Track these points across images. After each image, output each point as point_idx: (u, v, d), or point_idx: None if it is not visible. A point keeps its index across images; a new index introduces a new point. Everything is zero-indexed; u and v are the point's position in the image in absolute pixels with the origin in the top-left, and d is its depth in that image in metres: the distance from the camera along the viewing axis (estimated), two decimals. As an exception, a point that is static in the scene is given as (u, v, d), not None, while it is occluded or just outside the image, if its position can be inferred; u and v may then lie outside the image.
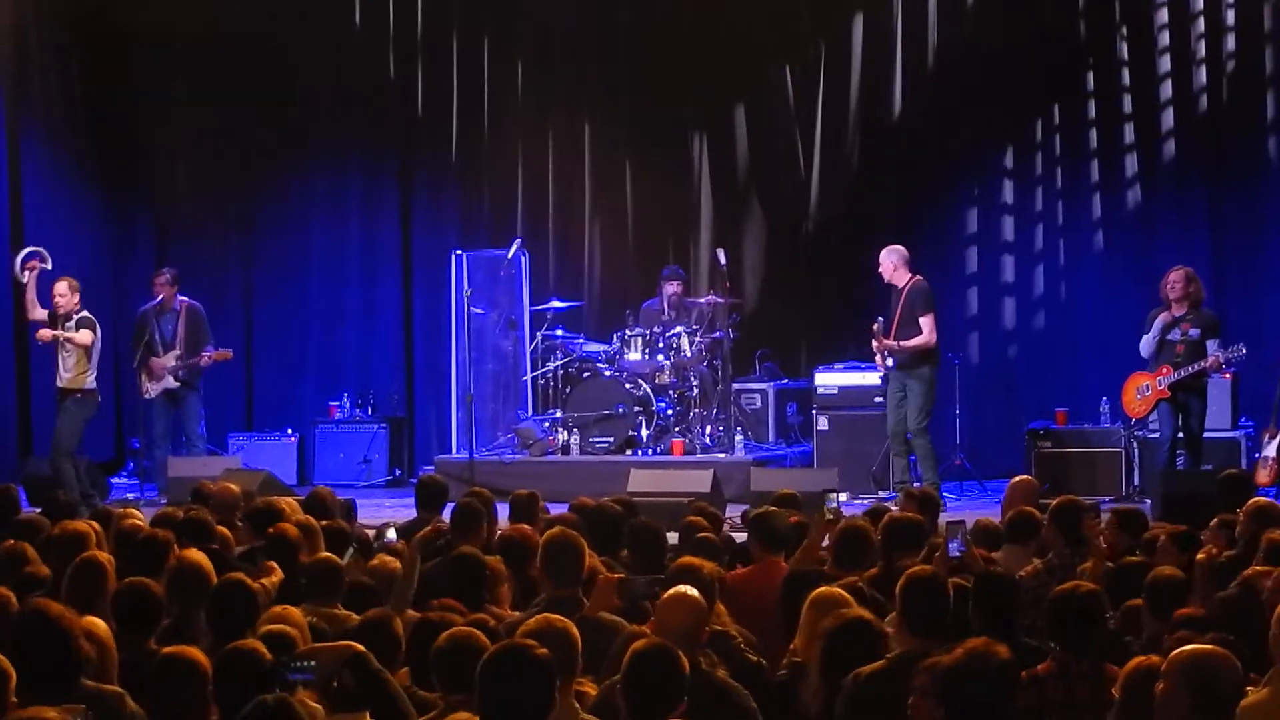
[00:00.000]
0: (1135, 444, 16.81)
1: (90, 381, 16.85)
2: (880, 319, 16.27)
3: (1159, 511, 13.32)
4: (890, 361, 16.19)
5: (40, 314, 17.07)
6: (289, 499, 11.94)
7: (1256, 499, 10.42)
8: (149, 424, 17.74)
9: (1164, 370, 15.43)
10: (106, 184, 20.55)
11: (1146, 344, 15.56)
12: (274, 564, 9.23)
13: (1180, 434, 15.49)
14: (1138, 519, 10.42)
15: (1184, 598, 7.92)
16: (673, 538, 10.36)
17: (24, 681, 6.29)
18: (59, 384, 16.86)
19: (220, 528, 10.42)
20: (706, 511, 11.06)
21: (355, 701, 6.39)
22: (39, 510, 12.39)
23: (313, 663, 6.26)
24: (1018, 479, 12.26)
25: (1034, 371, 18.82)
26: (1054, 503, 10.01)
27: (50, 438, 17.62)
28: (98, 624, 7.11)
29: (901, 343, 16.12)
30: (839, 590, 7.76)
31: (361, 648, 6.51)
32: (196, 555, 8.55)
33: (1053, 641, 7.31)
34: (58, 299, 16.96)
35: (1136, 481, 16.76)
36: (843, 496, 15.26)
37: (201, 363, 17.45)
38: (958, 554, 8.80)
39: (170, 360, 17.46)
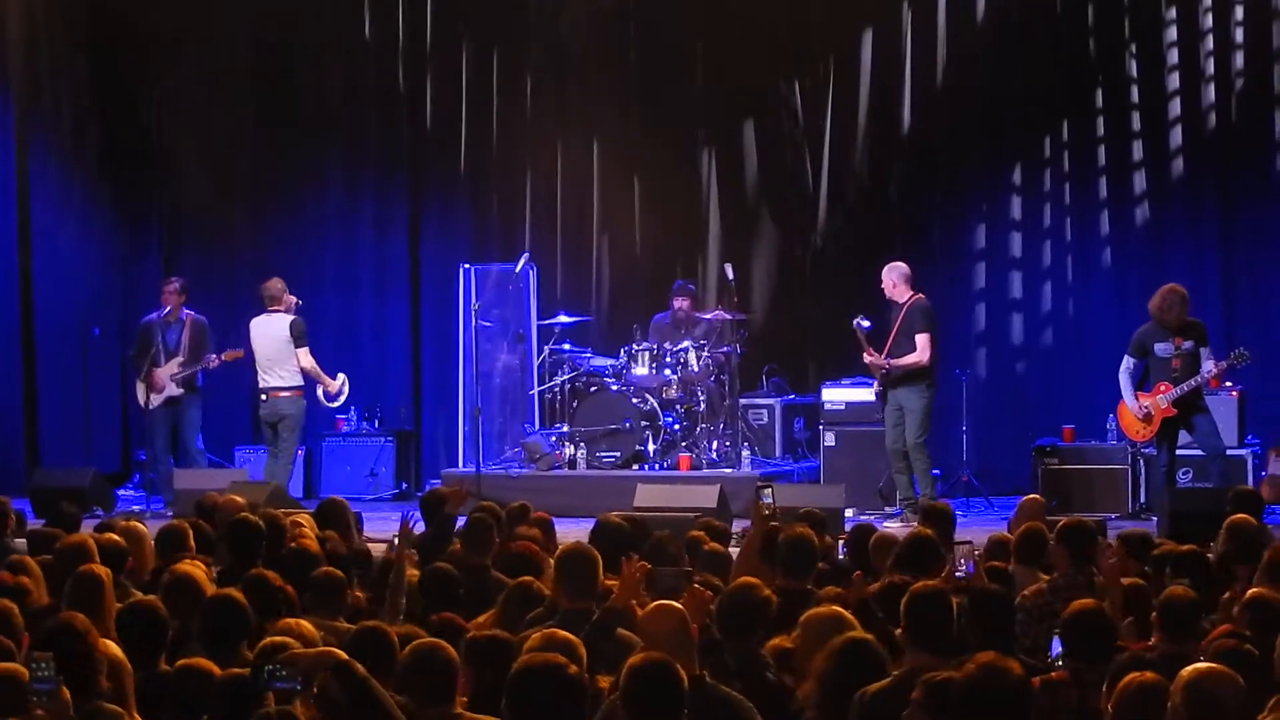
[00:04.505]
0: (1141, 461, 16.78)
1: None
2: (859, 318, 16.37)
3: (1166, 529, 13.27)
4: (884, 371, 16.28)
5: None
6: (305, 514, 11.96)
7: (1234, 516, 10.38)
8: (151, 437, 17.75)
9: (1163, 388, 15.38)
10: (116, 195, 20.57)
11: (1126, 378, 15.56)
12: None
13: (1187, 452, 15.47)
14: (1145, 543, 10.36)
15: (1196, 617, 7.91)
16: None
17: None
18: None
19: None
20: (712, 527, 11.08)
21: (344, 711, 6.38)
22: (44, 523, 12.36)
23: (294, 669, 6.25)
24: (1026, 498, 12.24)
25: (1042, 388, 18.78)
26: (1061, 522, 9.98)
27: (58, 447, 17.84)
28: (110, 646, 7.09)
29: (892, 361, 16.17)
30: (835, 609, 7.71)
31: (345, 655, 6.50)
32: (189, 568, 8.55)
33: (1068, 655, 7.30)
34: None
35: (1143, 499, 16.74)
36: (849, 512, 15.32)
37: (212, 364, 17.46)
38: (966, 575, 8.77)
39: (172, 368, 17.48)
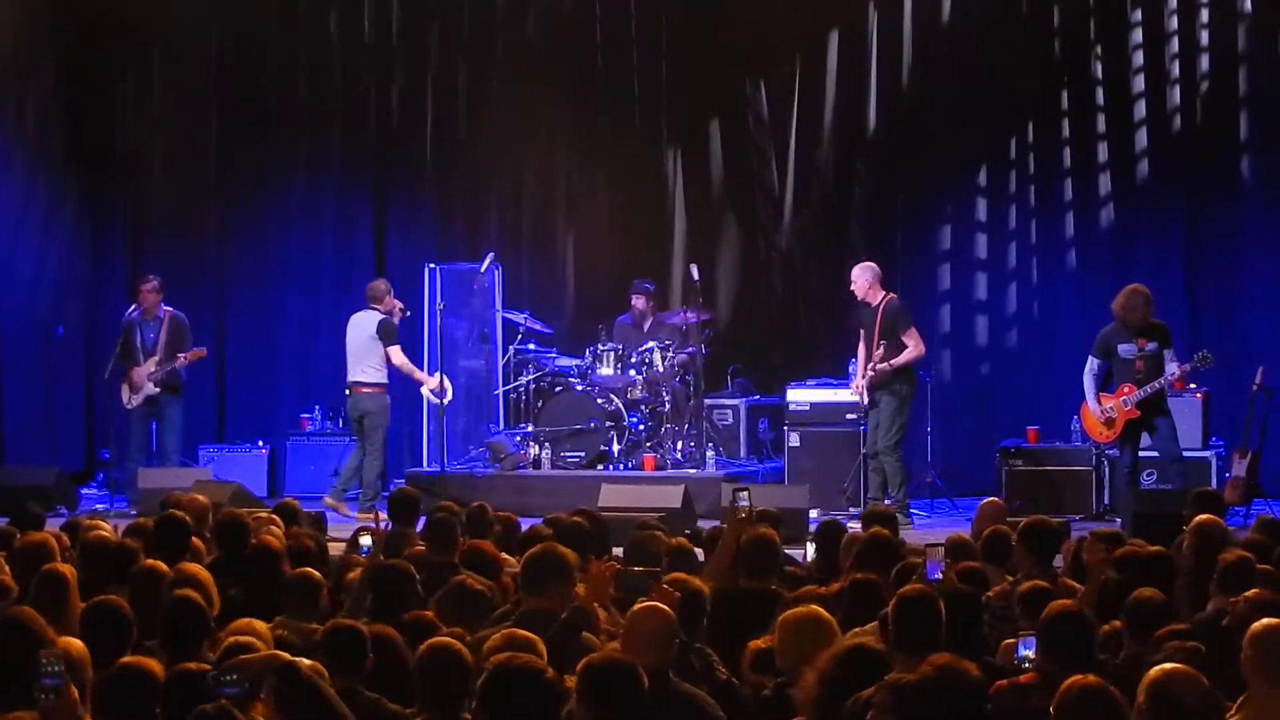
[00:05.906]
0: (1106, 462, 16.81)
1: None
2: (852, 360, 16.43)
3: (1129, 531, 13.28)
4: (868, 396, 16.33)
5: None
6: (269, 512, 11.93)
7: (1199, 517, 10.39)
8: (125, 435, 17.72)
9: (1126, 389, 15.41)
10: (80, 193, 20.49)
11: (1090, 379, 15.59)
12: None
13: (1151, 453, 15.51)
14: (1119, 541, 10.38)
15: (1164, 619, 7.91)
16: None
17: None
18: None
19: (193, 539, 10.41)
20: (649, 525, 11.09)
21: (294, 711, 6.37)
22: (8, 521, 12.31)
23: (241, 674, 6.25)
24: (986, 501, 12.26)
25: (1007, 390, 18.79)
26: (1023, 523, 9.99)
27: (21, 445, 17.76)
28: (74, 643, 7.05)
29: (891, 363, 16.13)
30: (817, 610, 7.69)
31: (289, 657, 6.48)
32: (162, 566, 8.50)
33: (1046, 656, 7.28)
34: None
35: (1106, 500, 16.78)
36: (814, 513, 15.31)
37: (179, 364, 17.49)
38: (936, 577, 8.76)
39: (150, 367, 17.45)
